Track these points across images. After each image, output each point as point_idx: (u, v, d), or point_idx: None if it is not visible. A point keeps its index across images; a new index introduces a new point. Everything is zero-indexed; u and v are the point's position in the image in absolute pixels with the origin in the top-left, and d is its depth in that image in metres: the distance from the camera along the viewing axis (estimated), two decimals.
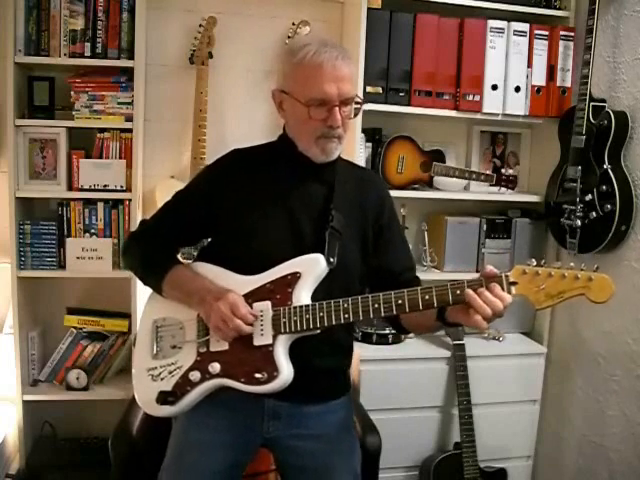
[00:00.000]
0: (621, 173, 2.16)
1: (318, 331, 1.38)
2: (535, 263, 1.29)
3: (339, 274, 1.44)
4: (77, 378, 2.32)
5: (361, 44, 2.23)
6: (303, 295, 1.40)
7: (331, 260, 1.42)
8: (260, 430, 1.50)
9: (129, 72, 2.22)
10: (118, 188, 2.27)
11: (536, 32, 2.38)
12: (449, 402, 2.42)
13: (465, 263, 2.50)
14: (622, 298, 2.21)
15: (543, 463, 2.61)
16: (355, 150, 2.29)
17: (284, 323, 1.38)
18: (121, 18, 2.20)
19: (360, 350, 2.32)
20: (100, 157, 2.27)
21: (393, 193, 2.34)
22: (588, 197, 2.20)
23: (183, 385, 1.45)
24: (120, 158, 2.27)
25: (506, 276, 1.28)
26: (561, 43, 2.40)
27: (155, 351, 1.52)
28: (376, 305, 1.34)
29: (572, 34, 2.40)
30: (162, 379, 1.48)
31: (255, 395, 1.43)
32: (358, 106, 1.46)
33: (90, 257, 2.27)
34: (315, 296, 1.41)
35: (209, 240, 1.62)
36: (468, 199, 2.57)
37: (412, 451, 2.42)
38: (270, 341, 1.39)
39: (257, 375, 1.38)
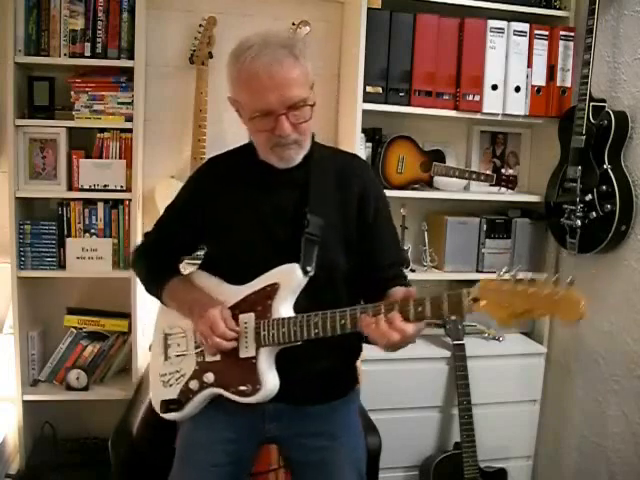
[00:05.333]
0: (621, 173, 2.16)
1: (299, 343, 1.35)
2: (503, 277, 1.17)
3: (323, 279, 1.41)
4: (77, 378, 2.32)
5: (361, 44, 2.23)
6: (283, 306, 1.38)
7: (307, 269, 1.38)
8: (262, 430, 1.50)
9: (129, 72, 2.22)
10: (118, 188, 2.27)
11: (536, 32, 2.38)
12: (449, 402, 2.42)
13: (465, 263, 2.50)
14: (622, 298, 2.21)
15: (543, 463, 2.61)
16: (355, 150, 2.29)
17: (264, 336, 1.37)
18: (121, 18, 2.20)
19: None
20: (100, 157, 2.27)
21: (393, 193, 2.38)
22: (588, 197, 2.20)
23: (186, 393, 1.48)
24: (120, 158, 2.27)
25: (467, 292, 1.18)
26: (561, 43, 2.40)
27: (165, 358, 1.55)
28: (343, 321, 1.29)
29: (572, 34, 2.40)
30: (170, 385, 1.52)
31: None
32: (309, 107, 1.36)
33: (90, 257, 2.27)
34: (301, 304, 1.39)
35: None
36: (468, 199, 2.57)
37: (412, 451, 2.42)
38: (253, 354, 1.39)
39: (241, 387, 1.39)
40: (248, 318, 1.40)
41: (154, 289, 1.59)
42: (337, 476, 1.44)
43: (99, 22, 2.19)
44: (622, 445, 2.19)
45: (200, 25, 2.34)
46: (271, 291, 1.39)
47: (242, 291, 1.43)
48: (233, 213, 1.47)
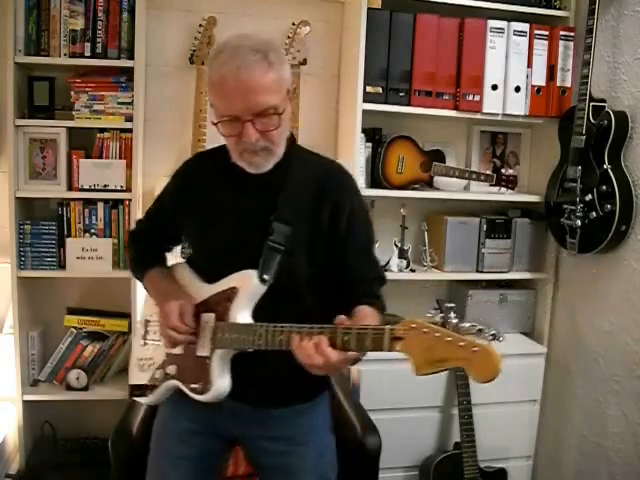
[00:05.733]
0: (621, 173, 2.15)
1: (250, 350, 1.32)
2: (429, 317, 1.13)
3: (285, 287, 1.38)
4: (77, 378, 2.32)
5: (361, 44, 2.23)
6: (240, 311, 1.37)
7: (265, 277, 1.35)
8: (223, 427, 1.50)
9: (129, 72, 2.22)
10: (118, 188, 2.27)
11: (536, 32, 2.38)
12: (449, 402, 2.42)
13: (465, 263, 2.50)
14: (622, 298, 2.21)
15: (543, 463, 2.61)
16: (355, 150, 2.30)
17: (218, 338, 1.38)
18: (121, 18, 2.20)
19: None
20: (100, 157, 2.27)
21: (393, 193, 2.38)
22: (588, 197, 2.20)
23: (153, 380, 1.50)
24: (120, 158, 2.27)
25: (391, 330, 1.13)
26: (561, 43, 2.40)
27: (143, 343, 1.58)
28: (280, 337, 1.27)
29: (572, 34, 2.40)
30: (144, 370, 1.54)
31: None
32: (277, 116, 1.32)
33: (90, 257, 2.27)
34: (264, 311, 1.37)
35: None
36: (468, 199, 2.57)
37: (412, 451, 2.42)
38: (208, 353, 1.39)
39: (193, 385, 1.40)
40: (209, 318, 1.41)
41: (138, 275, 1.63)
42: None
43: (99, 22, 2.19)
44: (622, 445, 2.19)
45: (200, 25, 2.34)
46: (231, 294, 1.38)
47: (209, 290, 1.44)
48: (210, 211, 1.47)
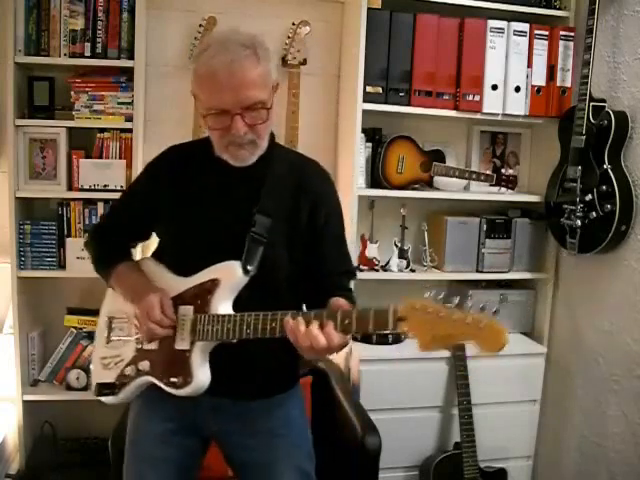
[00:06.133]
0: (621, 173, 2.16)
1: (234, 341, 1.33)
2: (430, 297, 1.16)
3: (265, 280, 1.39)
4: (77, 378, 2.33)
5: (361, 44, 2.23)
6: (222, 303, 1.38)
7: (248, 268, 1.37)
8: (201, 423, 1.50)
9: (129, 72, 2.22)
10: (118, 188, 2.26)
11: (536, 32, 2.38)
12: (449, 402, 2.42)
13: (465, 263, 2.50)
14: (622, 298, 2.21)
15: (543, 463, 2.61)
16: (355, 150, 2.30)
17: (199, 330, 1.37)
18: (121, 18, 2.20)
19: (360, 350, 2.32)
20: (100, 157, 2.27)
21: (393, 193, 2.39)
22: (588, 197, 2.20)
23: (123, 377, 1.48)
24: (120, 158, 2.27)
25: (394, 310, 1.16)
26: (561, 43, 2.40)
27: (106, 341, 1.56)
28: (273, 324, 1.28)
29: (572, 34, 2.40)
30: (110, 369, 1.52)
31: None
32: (266, 110, 1.35)
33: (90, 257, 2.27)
34: (243, 302, 1.38)
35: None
36: (468, 199, 2.57)
37: (412, 451, 2.42)
38: (187, 347, 1.38)
39: (172, 379, 1.39)
40: (187, 310, 1.40)
41: (102, 272, 1.59)
42: (277, 476, 1.44)
43: (99, 22, 2.19)
44: (622, 445, 2.19)
45: (200, 25, 2.34)
46: (211, 286, 1.38)
47: (185, 283, 1.43)
48: (187, 204, 1.46)
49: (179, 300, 1.42)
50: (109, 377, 1.50)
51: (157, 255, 1.57)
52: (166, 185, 1.48)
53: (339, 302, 1.35)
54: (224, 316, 1.35)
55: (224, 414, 1.48)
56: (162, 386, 1.41)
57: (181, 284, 1.43)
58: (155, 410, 1.49)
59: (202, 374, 1.37)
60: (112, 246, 1.60)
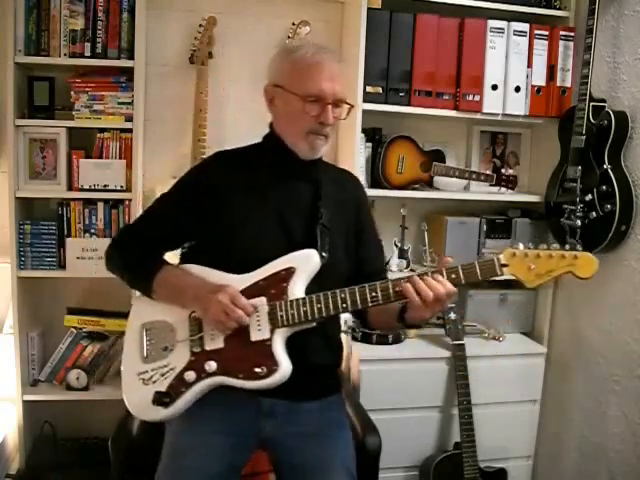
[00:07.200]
0: (621, 173, 2.15)
1: (314, 324, 1.41)
2: (522, 246, 1.35)
3: (329, 270, 1.46)
4: (77, 378, 2.32)
5: (361, 44, 2.23)
6: (298, 289, 1.43)
7: (323, 255, 1.45)
8: (256, 430, 1.49)
9: (129, 72, 2.22)
10: (118, 188, 2.27)
11: (536, 32, 2.38)
12: (449, 402, 2.42)
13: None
14: (622, 298, 2.21)
15: (543, 463, 2.61)
16: (355, 150, 2.30)
17: (281, 316, 1.41)
18: (121, 18, 2.20)
19: (360, 350, 2.32)
20: (100, 157, 2.27)
21: (393, 193, 2.39)
22: (588, 197, 2.20)
23: (177, 386, 1.45)
24: (120, 158, 2.27)
25: (497, 258, 1.34)
26: (561, 43, 2.40)
27: (145, 354, 1.52)
28: (374, 294, 1.38)
29: (572, 34, 2.40)
30: (154, 382, 1.48)
31: (250, 394, 1.43)
32: (349, 109, 1.50)
33: (90, 257, 2.27)
34: (306, 291, 1.43)
35: (188, 245, 1.61)
36: (468, 199, 2.57)
37: (412, 451, 2.42)
38: (268, 335, 1.41)
39: (256, 370, 1.40)
40: (259, 302, 1.43)
41: (140, 279, 1.55)
42: (330, 478, 1.44)
43: (99, 22, 2.19)
44: (622, 445, 2.19)
45: (200, 25, 2.34)
46: (286, 275, 1.43)
47: (247, 279, 1.45)
48: (243, 204, 1.49)
49: (245, 294, 1.43)
50: (157, 389, 1.46)
51: (200, 261, 1.53)
52: (217, 188, 1.50)
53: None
54: (310, 297, 1.40)
55: (280, 416, 1.49)
56: (234, 383, 1.41)
57: (242, 281, 1.45)
58: (204, 422, 1.45)
59: (286, 361, 1.40)
60: (148, 253, 1.55)
